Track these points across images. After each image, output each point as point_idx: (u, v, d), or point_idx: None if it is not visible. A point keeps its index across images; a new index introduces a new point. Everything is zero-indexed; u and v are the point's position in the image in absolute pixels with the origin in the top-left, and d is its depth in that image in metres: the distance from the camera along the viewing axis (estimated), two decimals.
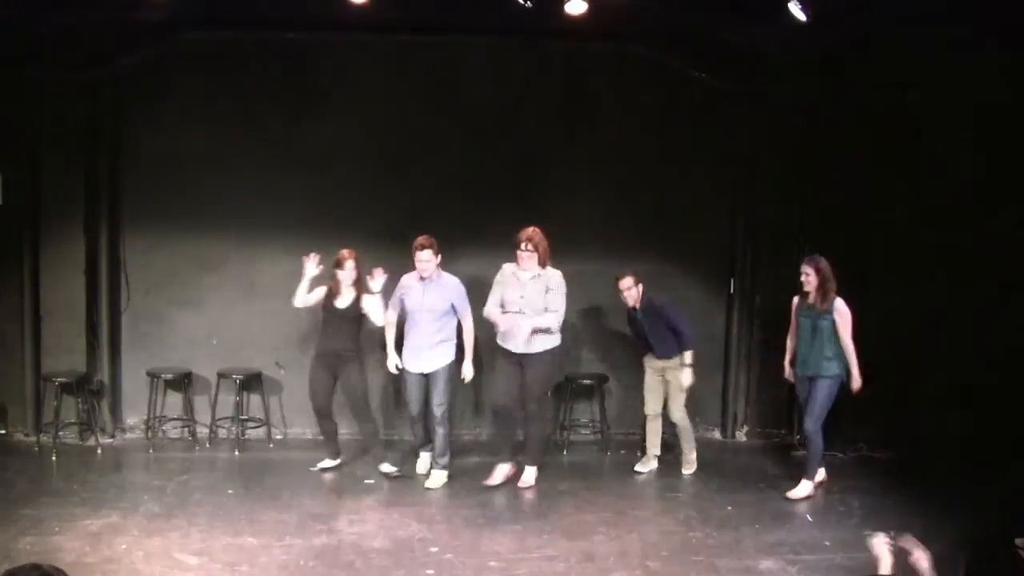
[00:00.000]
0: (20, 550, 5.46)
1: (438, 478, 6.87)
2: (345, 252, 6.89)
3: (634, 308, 7.11)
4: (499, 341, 6.82)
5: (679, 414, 7.17)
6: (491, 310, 6.78)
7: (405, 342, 6.88)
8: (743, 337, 8.23)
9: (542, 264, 6.68)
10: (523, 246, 6.62)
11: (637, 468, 7.27)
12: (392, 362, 6.91)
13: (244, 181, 7.84)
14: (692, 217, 8.12)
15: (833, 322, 6.65)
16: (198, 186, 7.83)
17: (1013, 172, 7.39)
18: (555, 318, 6.68)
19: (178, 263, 7.98)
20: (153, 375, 7.82)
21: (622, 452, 7.89)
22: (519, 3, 6.39)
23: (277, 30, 7.67)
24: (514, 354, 6.71)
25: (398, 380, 7.22)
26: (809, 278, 6.73)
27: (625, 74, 7.99)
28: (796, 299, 6.94)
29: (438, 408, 6.80)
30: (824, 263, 6.74)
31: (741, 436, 8.35)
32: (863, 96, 7.66)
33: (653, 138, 8.03)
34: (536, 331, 6.61)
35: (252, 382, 7.87)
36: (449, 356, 6.82)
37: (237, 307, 7.98)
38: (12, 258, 7.76)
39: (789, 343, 7.02)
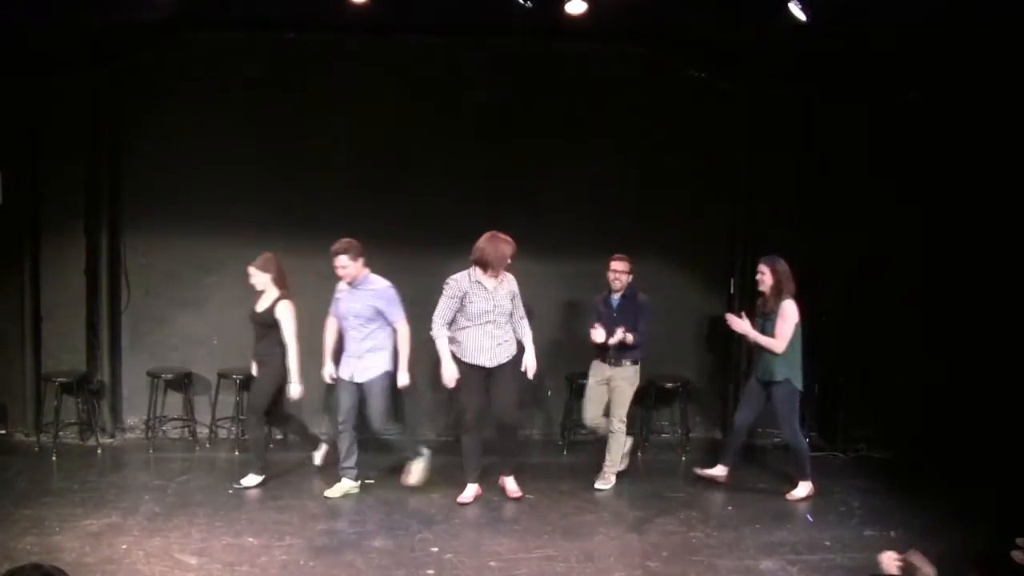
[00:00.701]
0: (21, 550, 5.47)
1: (341, 487, 6.62)
2: (267, 255, 6.71)
3: (610, 294, 6.90)
4: (466, 359, 6.43)
5: (620, 424, 6.82)
6: (441, 335, 6.36)
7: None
8: (743, 337, 8.21)
9: (491, 273, 6.38)
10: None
11: (597, 486, 6.88)
12: (325, 371, 6.64)
13: (244, 181, 7.84)
14: (691, 216, 8.12)
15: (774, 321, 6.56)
16: (198, 186, 7.83)
17: (1012, 171, 7.38)
18: (528, 325, 6.55)
19: (178, 263, 7.99)
20: (153, 375, 7.82)
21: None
22: (519, 3, 6.39)
23: (277, 30, 7.66)
24: (482, 368, 6.41)
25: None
26: (764, 277, 6.60)
27: (624, 74, 7.99)
28: (760, 301, 6.82)
29: (375, 422, 6.53)
30: (782, 264, 6.61)
31: None
32: (862, 96, 7.66)
33: (652, 137, 8.03)
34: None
35: (252, 382, 7.85)
36: (382, 366, 6.48)
37: (237, 307, 7.93)
38: (12, 258, 7.76)
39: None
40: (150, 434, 7.87)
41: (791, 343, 6.56)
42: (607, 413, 6.91)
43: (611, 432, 6.84)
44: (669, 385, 7.94)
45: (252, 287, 6.73)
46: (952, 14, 6.06)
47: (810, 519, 6.40)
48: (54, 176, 7.69)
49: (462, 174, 7.95)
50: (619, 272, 6.87)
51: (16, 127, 7.61)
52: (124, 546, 5.71)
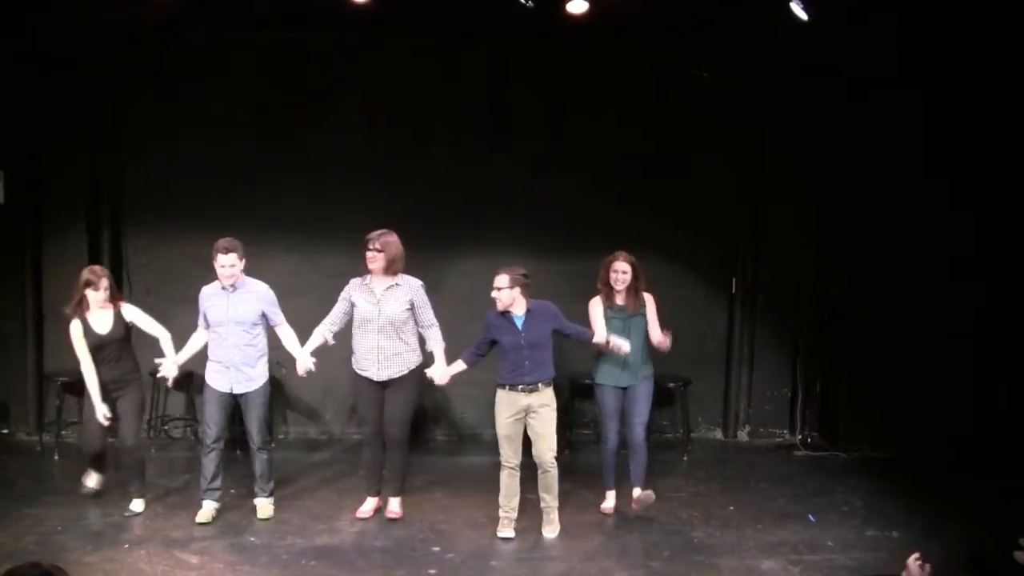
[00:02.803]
0: (22, 549, 5.47)
1: (266, 507, 6.25)
2: (98, 268, 6.14)
3: (506, 314, 5.82)
4: (354, 367, 6.09)
5: (550, 456, 5.85)
6: (317, 332, 6.02)
7: (209, 359, 6.13)
8: (745, 337, 8.24)
9: (391, 271, 5.98)
10: (370, 245, 5.89)
11: (501, 535, 5.97)
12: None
13: (245, 180, 7.85)
14: (693, 216, 8.12)
15: (643, 318, 6.19)
16: (199, 185, 7.84)
17: (1013, 173, 7.37)
18: (439, 334, 6.06)
19: (179, 262, 7.99)
20: (155, 374, 7.80)
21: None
22: (521, 3, 6.39)
23: (278, 30, 7.67)
24: (372, 380, 6.03)
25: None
26: (626, 276, 6.10)
27: (626, 73, 7.99)
28: (596, 301, 6.22)
29: (259, 434, 6.14)
30: (637, 260, 6.19)
31: (743, 436, 8.36)
32: (865, 95, 7.64)
33: (655, 137, 8.03)
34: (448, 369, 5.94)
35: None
36: (265, 374, 6.15)
37: None
38: (14, 257, 7.79)
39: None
40: (152, 433, 7.87)
41: None
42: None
43: (546, 471, 5.89)
44: (671, 385, 7.93)
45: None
46: (953, 14, 6.06)
47: (812, 519, 6.38)
48: (56, 175, 7.72)
49: (462, 174, 7.94)
50: (496, 289, 5.82)
51: (17, 126, 7.63)
52: (126, 545, 5.72)
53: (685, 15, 7.02)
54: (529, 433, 5.90)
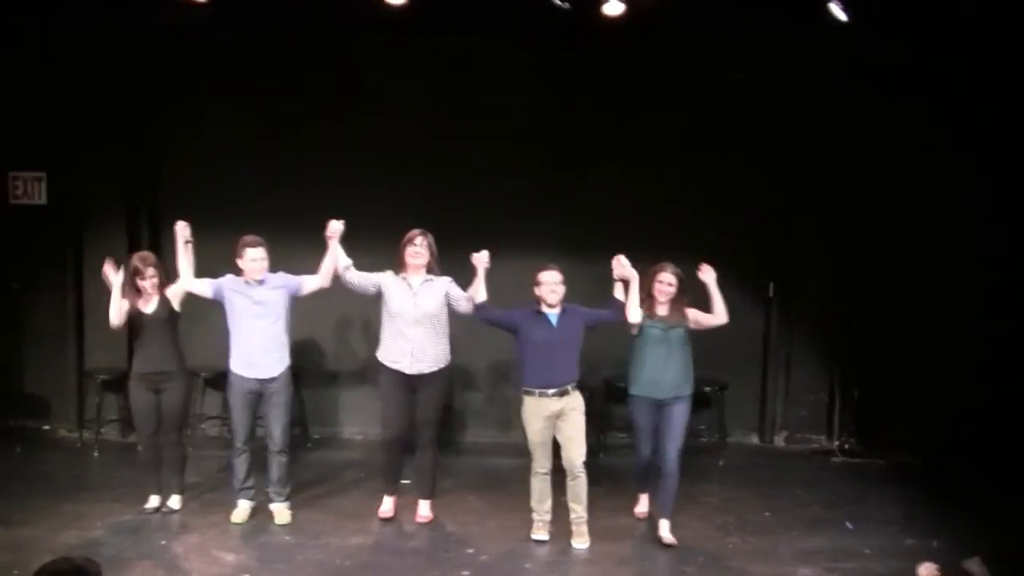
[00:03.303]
0: (62, 544, 5.56)
1: (283, 513, 6.21)
2: (147, 255, 6.28)
3: (540, 312, 5.83)
4: (384, 360, 6.05)
5: (580, 461, 5.74)
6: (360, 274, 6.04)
7: (233, 355, 6.15)
8: (781, 341, 8.15)
9: (429, 268, 6.09)
10: (417, 241, 5.98)
11: (535, 537, 5.93)
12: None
13: (281, 180, 7.90)
14: (729, 219, 8.04)
15: (684, 331, 5.97)
16: (234, 185, 7.92)
17: None
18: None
19: (218, 261, 8.05)
20: (192, 373, 7.89)
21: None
22: (556, 4, 6.37)
23: (313, 31, 7.71)
24: (406, 376, 5.99)
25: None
26: (671, 289, 5.90)
27: (659, 75, 7.95)
28: (645, 310, 6.00)
29: (282, 436, 6.09)
30: (683, 274, 5.97)
31: (779, 441, 8.27)
32: (898, 97, 7.53)
33: (688, 139, 7.98)
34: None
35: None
36: (286, 361, 6.14)
37: None
38: (56, 257, 7.94)
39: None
40: (188, 432, 7.94)
41: None
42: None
43: (575, 478, 5.79)
44: (707, 389, 7.85)
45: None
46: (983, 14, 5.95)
47: (850, 526, 6.30)
48: (95, 176, 7.85)
49: (491, 177, 7.94)
50: (557, 283, 5.82)
51: (57, 130, 7.78)
52: (163, 542, 5.80)
53: (719, 16, 6.96)
54: (558, 437, 5.79)
